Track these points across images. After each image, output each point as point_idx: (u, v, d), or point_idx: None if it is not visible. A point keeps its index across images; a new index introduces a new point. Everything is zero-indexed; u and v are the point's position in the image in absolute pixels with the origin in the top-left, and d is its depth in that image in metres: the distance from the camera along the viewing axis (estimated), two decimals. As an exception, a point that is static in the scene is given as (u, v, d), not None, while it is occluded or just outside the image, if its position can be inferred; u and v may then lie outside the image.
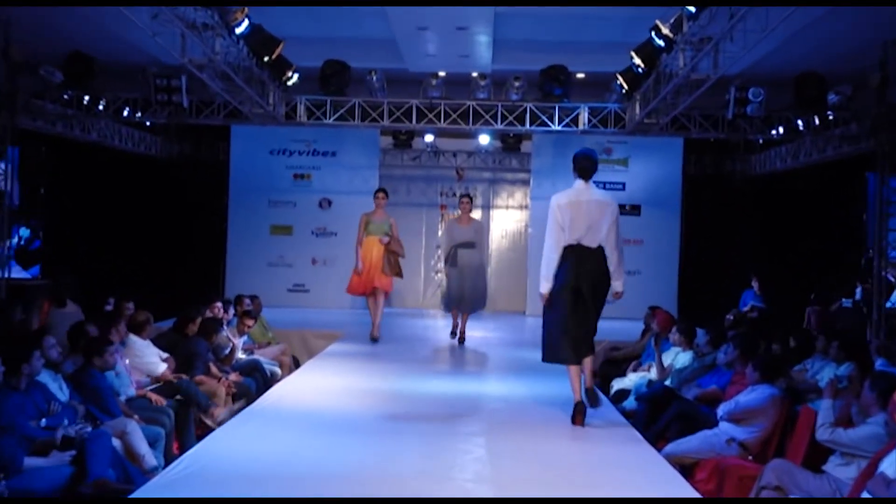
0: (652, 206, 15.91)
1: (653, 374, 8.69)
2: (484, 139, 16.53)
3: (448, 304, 10.84)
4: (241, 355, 9.35)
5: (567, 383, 6.62)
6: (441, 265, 10.95)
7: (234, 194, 15.95)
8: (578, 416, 6.36)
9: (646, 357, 9.53)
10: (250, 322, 9.48)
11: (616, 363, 10.40)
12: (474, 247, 10.51)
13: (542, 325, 6.56)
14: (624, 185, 15.95)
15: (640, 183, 15.94)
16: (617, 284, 6.48)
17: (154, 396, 7.06)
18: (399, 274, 10.46)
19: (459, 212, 10.64)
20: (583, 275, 6.29)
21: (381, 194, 10.49)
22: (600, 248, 6.37)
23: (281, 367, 9.97)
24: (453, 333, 10.92)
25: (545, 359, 6.48)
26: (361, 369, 8.74)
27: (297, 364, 10.49)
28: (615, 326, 14.01)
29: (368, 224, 10.34)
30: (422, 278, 17.23)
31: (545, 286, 6.38)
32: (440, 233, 10.21)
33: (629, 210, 15.91)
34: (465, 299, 10.54)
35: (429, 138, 16.58)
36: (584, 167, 6.55)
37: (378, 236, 10.30)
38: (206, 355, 8.18)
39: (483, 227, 10.73)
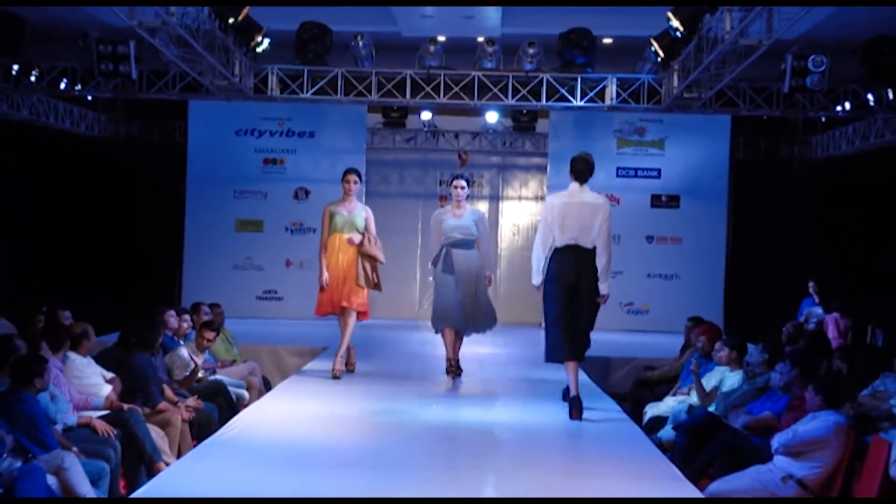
0: (693, 198, 15.92)
1: (694, 398, 8.67)
2: (492, 117, 16.54)
3: (438, 322, 9.46)
4: (200, 375, 9.35)
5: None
6: (430, 268, 9.87)
7: (192, 183, 15.97)
8: (575, 410, 7.76)
9: (685, 378, 9.52)
10: (210, 335, 9.42)
11: (650, 385, 10.40)
12: (473, 246, 9.44)
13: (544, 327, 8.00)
14: (659, 171, 15.98)
15: (678, 169, 15.95)
16: (603, 287, 7.78)
17: (101, 425, 7.04)
18: (377, 286, 9.50)
19: (453, 200, 9.47)
20: (581, 275, 7.71)
21: (350, 176, 9.35)
22: (595, 249, 7.79)
23: (248, 389, 9.98)
24: (449, 368, 9.56)
25: (547, 359, 8.02)
26: (345, 393, 8.74)
27: (268, 386, 10.51)
28: (648, 342, 14.09)
29: (334, 217, 9.36)
30: (417, 284, 17.26)
31: (537, 279, 7.90)
32: (432, 226, 9.69)
33: (665, 202, 15.93)
34: (464, 316, 9.30)
35: (426, 116, 16.59)
36: (580, 170, 7.96)
37: (347, 234, 9.33)
38: (151, 374, 8.12)
39: (485, 220, 9.63)
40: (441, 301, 9.46)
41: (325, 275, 9.29)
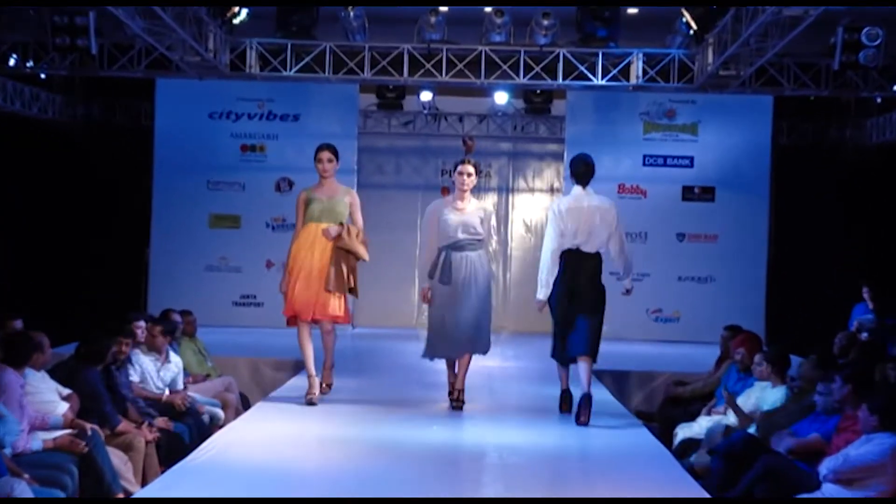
0: (730, 189, 15.92)
1: (731, 417, 8.66)
2: (501, 98, 16.53)
3: (433, 349, 8.94)
4: (160, 387, 9.33)
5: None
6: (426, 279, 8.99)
7: (160, 173, 15.98)
8: (564, 403, 8.91)
9: (722, 395, 9.49)
10: (157, 330, 9.36)
11: (681, 403, 10.38)
12: (478, 248, 8.82)
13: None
14: (692, 160, 15.98)
15: (713, 157, 15.95)
16: (626, 282, 8.96)
17: (70, 442, 7.06)
18: (353, 291, 8.94)
19: (456, 190, 8.91)
20: (580, 281, 8.55)
21: (322, 154, 8.90)
22: (597, 254, 8.65)
23: (224, 407, 9.96)
24: (452, 397, 9.02)
25: (552, 355, 8.96)
26: (334, 412, 8.73)
27: (246, 404, 10.50)
28: (679, 353, 14.08)
29: (310, 204, 8.85)
30: (415, 288, 17.19)
31: (543, 293, 8.62)
32: (427, 224, 9.09)
33: (698, 194, 15.92)
34: (459, 337, 8.76)
35: (426, 97, 16.59)
36: (580, 173, 8.79)
37: (324, 224, 8.78)
38: (102, 390, 8.06)
39: (492, 221, 8.98)
40: (435, 319, 8.82)
41: (288, 275, 8.79)
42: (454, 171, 8.89)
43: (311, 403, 8.75)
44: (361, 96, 16.47)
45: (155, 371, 9.30)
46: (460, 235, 8.75)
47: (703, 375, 10.82)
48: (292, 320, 8.90)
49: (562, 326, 8.68)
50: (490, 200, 16.75)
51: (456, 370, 8.98)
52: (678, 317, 15.87)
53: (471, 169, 8.82)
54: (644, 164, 16.00)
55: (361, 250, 8.84)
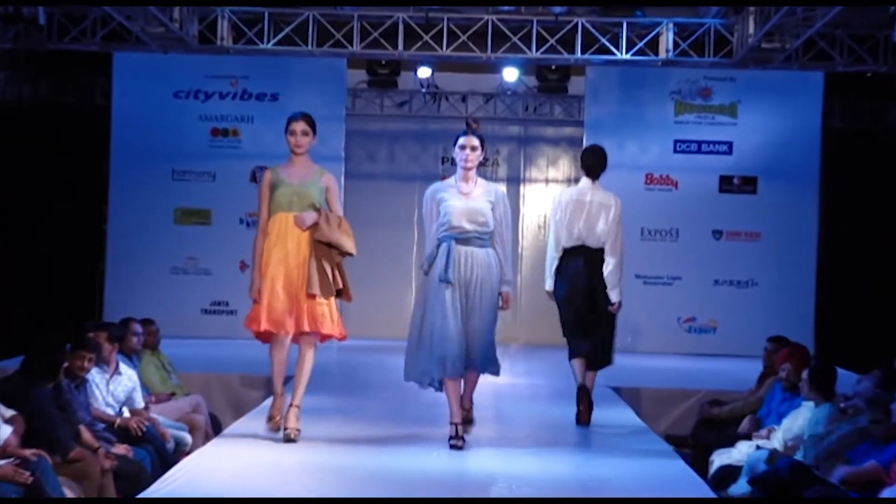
0: (774, 180, 15.93)
1: (776, 442, 8.66)
2: (511, 75, 16.53)
3: (426, 368, 8.19)
4: (111, 404, 9.33)
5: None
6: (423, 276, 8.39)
7: (118, 161, 15.99)
8: (583, 409, 9.22)
9: (766, 416, 9.50)
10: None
11: (718, 425, 10.38)
12: (487, 244, 8.20)
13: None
14: (730, 145, 15.98)
15: (754, 143, 15.95)
16: (613, 294, 9.23)
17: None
18: (342, 293, 8.31)
19: (459, 170, 8.25)
20: (590, 278, 9.15)
21: (296, 125, 8.36)
22: (603, 249, 9.25)
23: (191, 431, 9.96)
24: (455, 436, 8.25)
25: (571, 357, 9.38)
26: (319, 436, 8.71)
27: (216, 427, 10.50)
28: (715, 368, 14.07)
29: (277, 188, 8.21)
30: (412, 293, 17.22)
31: (549, 283, 9.28)
32: (425, 210, 8.37)
33: (738, 186, 15.92)
34: (459, 352, 8.08)
35: (424, 73, 16.59)
36: (590, 165, 9.36)
37: (297, 213, 8.16)
38: (55, 411, 8.05)
39: (506, 204, 8.33)
40: (428, 330, 8.09)
41: (258, 279, 8.12)
42: (454, 145, 8.22)
43: (277, 429, 8.28)
44: (350, 73, 16.47)
45: (104, 385, 9.28)
46: (464, 225, 8.06)
47: (744, 394, 10.83)
48: (264, 335, 8.24)
49: (573, 326, 9.36)
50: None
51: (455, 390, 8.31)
52: (714, 326, 15.87)
53: (474, 141, 8.18)
54: (675, 151, 16.00)
55: (346, 241, 8.14)
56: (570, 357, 9.39)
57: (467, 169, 8.19)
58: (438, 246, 8.13)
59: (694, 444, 10.43)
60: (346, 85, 16.38)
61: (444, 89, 17.31)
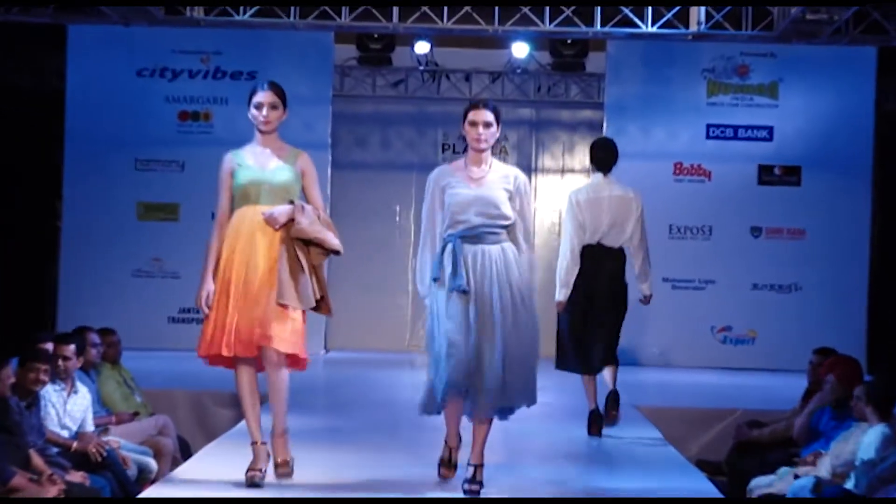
0: (820, 170, 15.91)
1: (823, 469, 8.62)
2: (521, 50, 16.49)
3: (435, 394, 7.48)
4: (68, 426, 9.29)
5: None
6: (421, 287, 7.73)
7: (73, 148, 15.97)
8: (594, 425, 9.75)
9: (812, 440, 9.45)
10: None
11: (757, 449, 10.35)
12: (502, 239, 7.47)
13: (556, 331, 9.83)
14: (770, 131, 15.95)
15: (798, 127, 15.94)
16: (644, 287, 9.88)
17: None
18: (321, 306, 7.61)
19: (469, 151, 7.60)
20: (600, 279, 9.59)
21: (262, 97, 7.70)
22: (621, 250, 9.70)
23: (156, 456, 9.91)
24: (445, 463, 7.95)
25: (557, 366, 9.91)
26: (301, 463, 8.66)
27: (185, 451, 10.47)
28: (754, 385, 14.03)
29: (240, 176, 7.57)
30: (409, 300, 17.22)
31: (563, 293, 9.57)
32: (428, 202, 7.67)
33: (780, 176, 15.89)
34: (481, 381, 7.34)
35: (422, 49, 16.54)
36: (601, 158, 9.82)
37: (265, 206, 7.48)
38: None
39: (526, 190, 7.60)
40: (440, 347, 7.37)
41: (210, 287, 7.48)
42: (463, 120, 7.53)
43: (254, 485, 7.53)
44: (337, 48, 16.44)
45: (61, 404, 9.24)
46: (474, 218, 7.40)
47: (786, 414, 10.81)
48: (218, 358, 7.61)
49: (580, 332, 9.78)
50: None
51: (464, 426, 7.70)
52: (753, 337, 15.84)
53: (488, 115, 7.47)
54: (708, 137, 15.98)
55: (329, 237, 7.51)
56: (580, 371, 9.93)
57: (479, 150, 7.51)
58: (444, 247, 7.43)
59: (730, 471, 10.40)
60: (334, 62, 16.35)
61: (445, 67, 17.24)
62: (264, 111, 7.70)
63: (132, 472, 9.30)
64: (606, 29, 14.58)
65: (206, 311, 7.44)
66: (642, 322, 15.19)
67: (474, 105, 7.58)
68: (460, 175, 7.53)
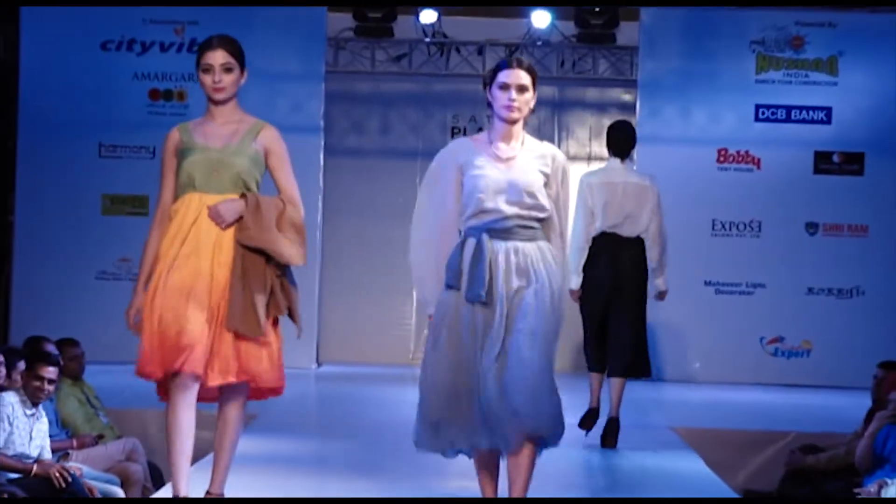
0: (886, 158, 15.95)
1: (890, 498, 8.66)
2: (542, 20, 16.54)
3: (435, 430, 6.80)
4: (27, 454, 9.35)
5: None
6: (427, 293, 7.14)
7: (27, 132, 16.01)
8: (588, 420, 10.41)
9: (876, 467, 9.50)
10: (48, 373, 9.32)
11: (813, 478, 10.40)
12: (539, 236, 6.72)
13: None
14: (828, 112, 15.98)
15: (860, 108, 15.96)
16: (660, 282, 10.43)
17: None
18: (292, 317, 7.01)
19: (494, 121, 6.86)
20: (621, 271, 10.13)
21: (216, 55, 6.93)
22: (639, 239, 10.23)
23: (124, 484, 9.97)
24: None
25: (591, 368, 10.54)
26: (289, 490, 8.76)
27: (157, 478, 10.52)
28: (810, 403, 14.05)
29: (187, 154, 6.86)
30: (413, 308, 17.26)
31: (575, 281, 10.02)
32: (440, 186, 6.94)
33: (840, 164, 15.91)
34: (500, 408, 6.47)
35: (428, 17, 16.59)
36: (617, 142, 10.50)
37: (215, 196, 6.75)
38: None
39: (565, 173, 6.98)
40: (448, 372, 6.67)
41: (137, 299, 6.80)
42: (490, 82, 6.79)
43: None
44: (331, 17, 16.51)
45: (27, 429, 9.29)
46: (506, 208, 6.64)
47: (847, 437, 10.83)
48: (161, 386, 6.95)
49: (595, 328, 10.40)
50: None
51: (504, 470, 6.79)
52: (808, 349, 15.88)
53: (523, 77, 6.73)
54: (757, 119, 16.02)
55: (284, 248, 6.81)
56: (589, 366, 10.63)
57: (511, 121, 6.74)
58: (463, 243, 6.74)
59: (780, 498, 10.42)
60: (326, 33, 16.42)
61: (455, 39, 17.27)
62: (216, 75, 6.96)
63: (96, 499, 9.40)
64: (639, -4, 14.66)
65: (137, 332, 6.74)
66: (682, 332, 15.28)
67: (506, 63, 6.81)
68: (485, 152, 6.74)
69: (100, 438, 10.60)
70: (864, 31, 15.83)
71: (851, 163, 15.90)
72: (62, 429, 10.24)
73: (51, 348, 10.51)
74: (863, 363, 11.90)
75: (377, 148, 17.35)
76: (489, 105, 6.87)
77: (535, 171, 6.77)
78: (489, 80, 6.83)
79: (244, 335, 6.66)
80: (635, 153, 15.80)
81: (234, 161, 6.82)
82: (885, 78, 15.92)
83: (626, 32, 16.95)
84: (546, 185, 6.77)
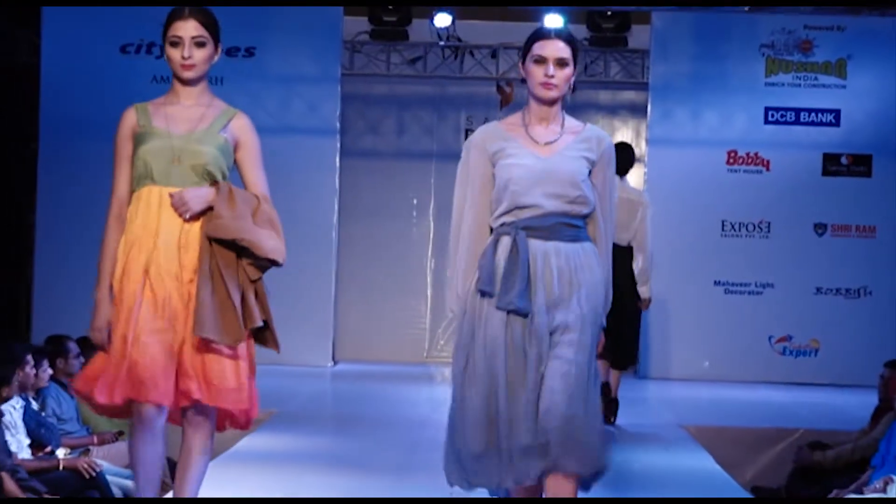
0: (894, 158, 15.86)
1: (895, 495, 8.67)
2: (554, 23, 16.54)
3: (474, 465, 5.71)
4: (60, 453, 9.38)
5: None
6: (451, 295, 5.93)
7: (49, 134, 16.03)
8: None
9: (882, 463, 9.49)
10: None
11: (821, 475, 10.40)
12: (582, 232, 5.78)
13: None
14: (837, 115, 15.94)
15: (869, 111, 15.92)
16: (644, 290, 11.05)
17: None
18: (266, 336, 5.86)
19: (529, 105, 5.83)
20: (621, 274, 9.73)
21: (187, 24, 6.08)
22: (630, 248, 11.03)
23: (143, 480, 9.97)
24: None
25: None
26: (308, 483, 8.77)
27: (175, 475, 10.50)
28: (817, 401, 14.05)
29: (145, 140, 5.94)
30: (428, 306, 17.27)
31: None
32: (469, 175, 5.90)
33: (848, 167, 15.88)
34: (539, 437, 5.56)
35: (442, 21, 16.60)
36: (617, 162, 10.59)
37: (176, 187, 5.78)
38: None
39: (611, 160, 5.98)
40: (480, 397, 5.65)
41: (107, 312, 5.93)
42: (524, 57, 5.80)
43: None
44: (347, 21, 16.52)
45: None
46: (546, 202, 5.68)
47: (854, 434, 10.84)
48: (119, 408, 5.84)
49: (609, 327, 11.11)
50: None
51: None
52: (816, 348, 15.85)
53: (563, 49, 5.73)
54: (766, 122, 15.99)
55: (263, 240, 5.76)
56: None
57: (549, 101, 5.77)
58: (496, 242, 5.71)
59: (789, 499, 10.42)
60: (342, 36, 16.42)
61: (469, 42, 17.28)
62: (185, 49, 6.03)
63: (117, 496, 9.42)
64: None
65: (102, 343, 5.83)
66: (691, 331, 15.28)
67: (542, 33, 5.80)
68: (519, 138, 5.75)
69: (119, 435, 10.61)
70: (873, 34, 15.80)
71: (859, 164, 15.87)
72: (83, 426, 10.27)
73: (72, 346, 10.61)
74: (870, 362, 11.90)
75: (392, 149, 17.35)
76: (522, 81, 5.86)
77: (579, 158, 5.74)
78: (522, 55, 5.81)
79: (210, 345, 5.60)
80: (644, 147, 16.00)
81: (200, 149, 5.83)
82: (892, 81, 15.86)
83: (638, 36, 16.95)
84: (591, 174, 5.76)
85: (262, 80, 16.01)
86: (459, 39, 17.21)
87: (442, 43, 17.17)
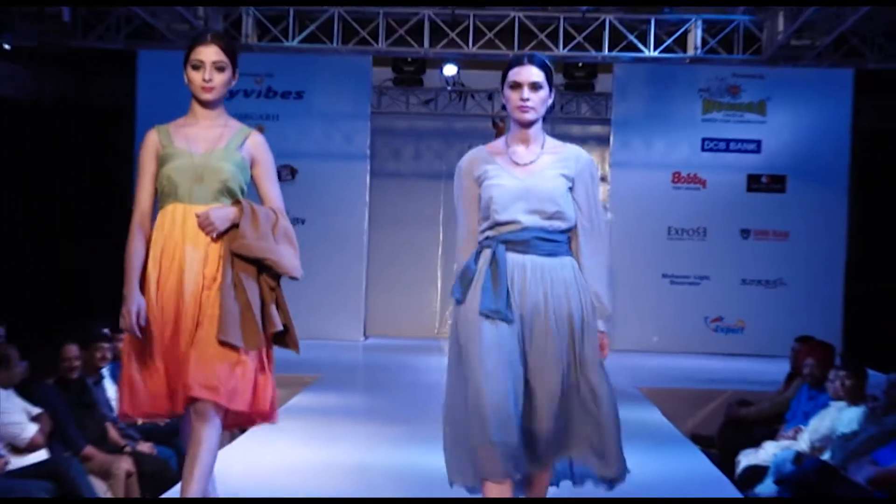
0: (803, 179, 15.89)
1: (802, 443, 8.67)
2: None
3: (462, 463, 5.01)
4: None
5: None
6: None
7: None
8: None
9: (793, 417, 9.51)
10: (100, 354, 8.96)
11: (744, 426, 10.40)
12: (561, 247, 5.04)
13: None
14: (758, 144, 15.95)
15: (784, 141, 15.92)
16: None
17: None
18: (285, 338, 5.13)
19: (511, 127, 5.23)
20: None
21: (209, 50, 5.33)
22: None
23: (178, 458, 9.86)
24: None
25: None
26: (344, 435, 8.78)
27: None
28: (742, 368, 14.06)
29: (168, 160, 5.18)
30: (438, 293, 17.32)
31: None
32: (462, 196, 5.32)
33: (766, 184, 15.89)
34: (534, 435, 4.99)
35: (450, 71, 16.61)
36: None
37: (201, 204, 5.09)
38: (62, 409, 8.02)
39: (592, 176, 5.19)
40: (460, 399, 4.98)
41: (140, 300, 4.97)
42: (503, 83, 5.18)
43: None
44: (375, 70, 16.50)
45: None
46: (524, 218, 4.98)
47: (771, 395, 10.85)
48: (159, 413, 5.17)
49: None
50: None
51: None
52: (742, 326, 15.86)
53: (535, 73, 5.08)
54: (703, 149, 15.98)
55: (283, 257, 5.11)
56: None
57: (526, 122, 5.12)
58: (478, 255, 5.03)
59: (721, 445, 10.44)
60: (372, 83, 16.44)
61: (470, 87, 17.33)
62: (206, 72, 5.28)
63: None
64: (613, 53, 14.61)
65: (137, 332, 4.88)
66: (643, 313, 15.30)
67: (516, 60, 5.18)
68: (501, 160, 5.12)
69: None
70: (786, 81, 15.79)
71: (776, 183, 15.86)
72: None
73: (105, 331, 10.22)
74: (783, 338, 11.88)
75: (411, 171, 17.41)
76: (504, 107, 5.22)
77: (557, 177, 5.03)
78: (501, 82, 5.19)
79: (225, 351, 4.87)
80: (608, 170, 15.99)
81: (220, 167, 5.12)
82: (802, 117, 15.89)
83: (603, 82, 16.97)
84: (571, 189, 5.03)
85: (309, 117, 16.03)
86: (463, 85, 17.25)
87: (449, 88, 17.21)
